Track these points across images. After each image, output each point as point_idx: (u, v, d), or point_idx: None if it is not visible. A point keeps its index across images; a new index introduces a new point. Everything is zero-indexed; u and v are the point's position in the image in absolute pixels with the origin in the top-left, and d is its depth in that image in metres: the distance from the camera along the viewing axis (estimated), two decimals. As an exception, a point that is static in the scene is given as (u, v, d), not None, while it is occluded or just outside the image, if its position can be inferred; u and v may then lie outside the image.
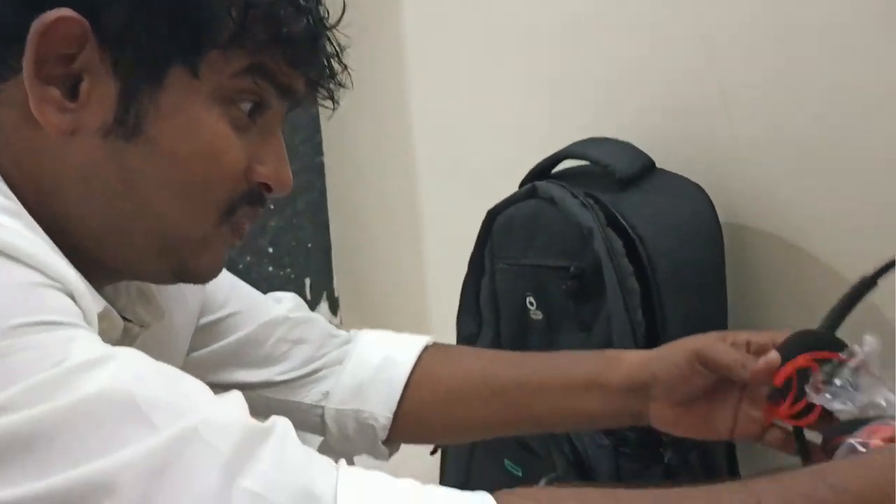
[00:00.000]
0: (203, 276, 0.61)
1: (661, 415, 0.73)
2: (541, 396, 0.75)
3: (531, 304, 1.04)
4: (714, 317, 0.97)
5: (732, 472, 0.98)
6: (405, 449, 1.91)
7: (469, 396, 0.77)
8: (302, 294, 2.23)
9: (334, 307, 2.28)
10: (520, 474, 1.01)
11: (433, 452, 1.25)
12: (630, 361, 0.73)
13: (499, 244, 1.10)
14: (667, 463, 0.88)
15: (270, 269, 2.18)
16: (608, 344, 0.91)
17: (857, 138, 0.89)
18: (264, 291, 2.30)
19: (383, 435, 0.77)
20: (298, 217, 2.21)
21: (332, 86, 0.60)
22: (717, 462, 0.95)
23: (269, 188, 0.59)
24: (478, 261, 1.15)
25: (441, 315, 1.77)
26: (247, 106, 0.55)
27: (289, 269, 2.20)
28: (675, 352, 0.71)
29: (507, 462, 1.04)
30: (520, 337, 1.08)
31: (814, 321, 0.97)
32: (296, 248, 2.21)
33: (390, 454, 0.80)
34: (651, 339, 0.90)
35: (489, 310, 1.14)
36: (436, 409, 0.78)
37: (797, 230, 0.97)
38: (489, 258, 1.12)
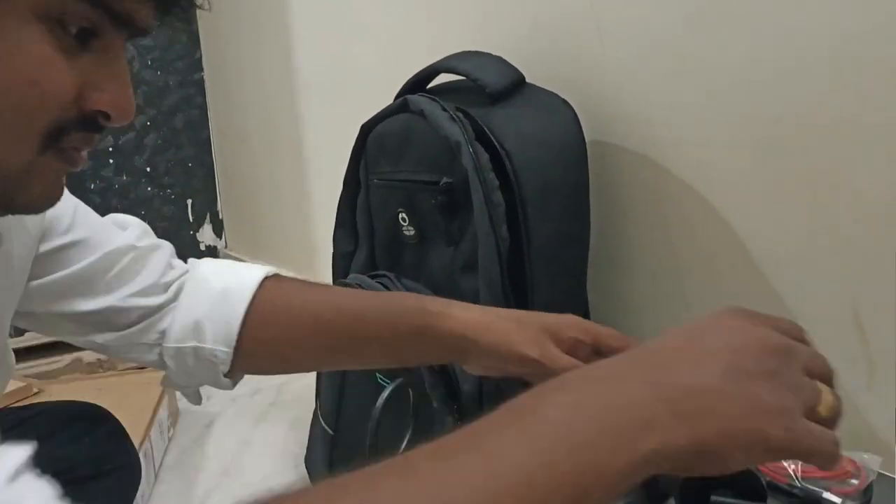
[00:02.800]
0: (36, 206, 0.57)
1: (478, 368, 0.76)
2: (367, 340, 0.75)
3: (404, 220, 1.04)
4: (578, 236, 0.99)
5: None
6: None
7: (300, 336, 0.76)
8: (184, 215, 2.16)
9: (218, 229, 2.22)
10: (389, 385, 1.03)
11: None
12: (454, 325, 0.73)
13: (372, 159, 1.08)
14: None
15: (149, 189, 2.09)
16: (474, 259, 0.92)
17: (723, 57, 0.91)
18: (143, 212, 2.21)
19: (224, 369, 0.75)
20: (177, 135, 2.12)
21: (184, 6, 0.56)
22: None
23: (107, 116, 0.55)
24: (353, 176, 1.13)
25: (326, 233, 1.76)
26: (73, 28, 0.51)
27: (168, 190, 2.12)
28: (501, 340, 0.71)
29: (378, 375, 1.06)
30: (394, 253, 1.08)
31: (672, 242, 1.01)
32: (175, 167, 2.13)
33: (234, 384, 0.78)
34: (515, 256, 0.92)
35: (364, 226, 1.13)
36: (271, 346, 0.76)
37: (661, 150, 1.00)
38: (364, 173, 1.11)
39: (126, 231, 0.77)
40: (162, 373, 0.77)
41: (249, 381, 1.63)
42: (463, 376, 0.92)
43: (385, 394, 0.77)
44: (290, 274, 2.01)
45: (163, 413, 1.37)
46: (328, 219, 1.71)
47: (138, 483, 0.90)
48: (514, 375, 0.73)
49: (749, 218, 0.92)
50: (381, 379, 1.05)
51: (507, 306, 0.90)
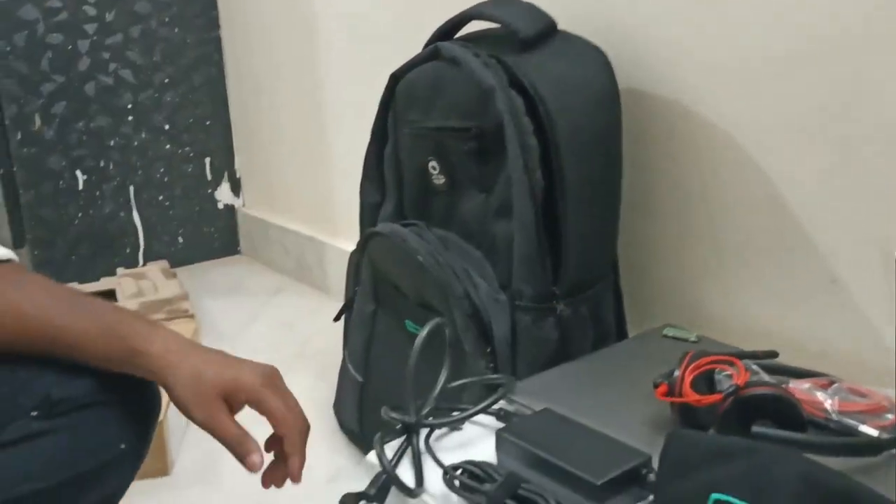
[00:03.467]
0: None
1: None
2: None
3: (434, 168, 1.05)
4: (610, 180, 1.00)
5: (620, 325, 1.04)
6: (313, 307, 1.91)
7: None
8: (202, 173, 2.16)
9: (236, 187, 2.22)
10: (419, 330, 1.04)
11: (336, 319, 1.27)
12: (151, 367, 0.73)
13: (402, 108, 1.09)
14: (559, 315, 0.93)
15: (168, 146, 2.10)
16: (508, 205, 0.93)
17: (756, 4, 0.91)
18: (162, 170, 2.23)
19: None
20: (195, 93, 2.11)
21: None
22: (606, 315, 1.00)
23: None
24: (381, 127, 1.14)
25: (345, 190, 1.77)
26: None
27: (188, 148, 2.13)
28: (179, 397, 0.72)
29: (408, 322, 1.07)
30: (422, 203, 1.09)
31: (704, 185, 1.02)
32: (194, 125, 2.13)
33: None
34: (548, 200, 0.93)
35: (392, 177, 1.14)
36: None
37: (693, 96, 1.00)
38: (392, 124, 1.12)
39: None
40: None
41: (270, 335, 1.66)
42: (496, 320, 0.93)
43: (423, 335, 0.78)
44: (309, 233, 2.02)
45: (192, 363, 1.39)
46: (348, 176, 1.72)
47: (160, 405, 0.91)
48: None
49: (780, 162, 0.93)
50: (410, 326, 1.07)
51: (541, 252, 0.92)
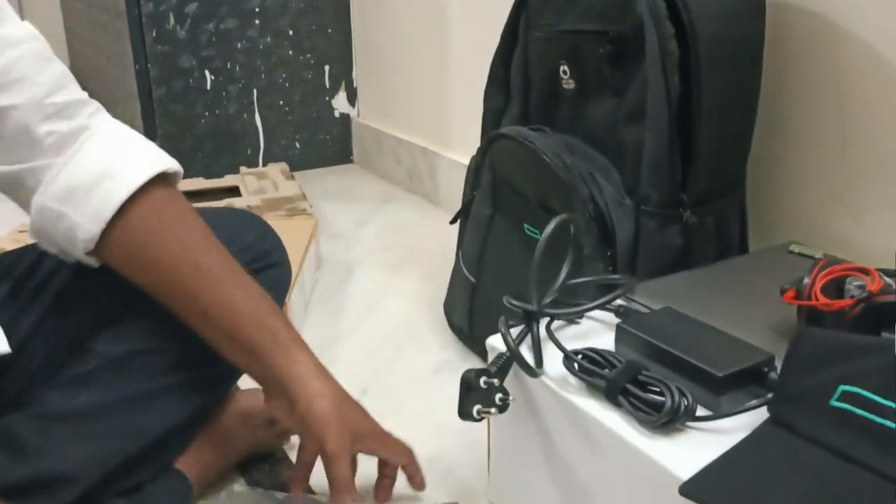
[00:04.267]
0: None
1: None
2: (203, 324, 0.74)
3: (564, 72, 1.05)
4: (748, 94, 0.98)
5: (743, 241, 1.03)
6: (424, 216, 1.97)
7: (151, 271, 0.74)
8: (321, 81, 2.21)
9: (352, 97, 2.27)
10: (538, 237, 1.06)
11: (452, 222, 1.31)
12: (287, 373, 0.73)
13: (535, 11, 1.08)
14: (684, 223, 0.93)
15: (290, 52, 2.15)
16: (641, 109, 0.93)
17: None
18: (284, 75, 2.29)
19: (84, 247, 0.72)
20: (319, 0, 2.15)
21: None
22: (731, 229, 1.00)
23: None
24: (511, 30, 1.14)
25: (463, 99, 1.78)
26: None
27: (308, 55, 2.17)
28: (313, 419, 0.73)
29: (526, 226, 1.09)
30: (549, 108, 1.10)
31: (843, 110, 0.98)
32: (316, 32, 2.17)
33: (98, 263, 0.75)
34: (684, 107, 0.92)
35: (519, 81, 1.14)
36: (128, 258, 0.73)
37: (842, 13, 0.96)
38: (524, 27, 1.12)
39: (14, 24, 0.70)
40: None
41: (382, 238, 1.71)
42: (619, 224, 0.94)
43: (552, 226, 0.79)
44: (423, 144, 2.05)
45: (311, 254, 1.46)
46: (465, 87, 1.73)
47: (290, 282, 0.96)
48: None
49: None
50: (528, 229, 1.09)
51: (672, 158, 0.91)
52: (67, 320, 0.80)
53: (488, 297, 1.18)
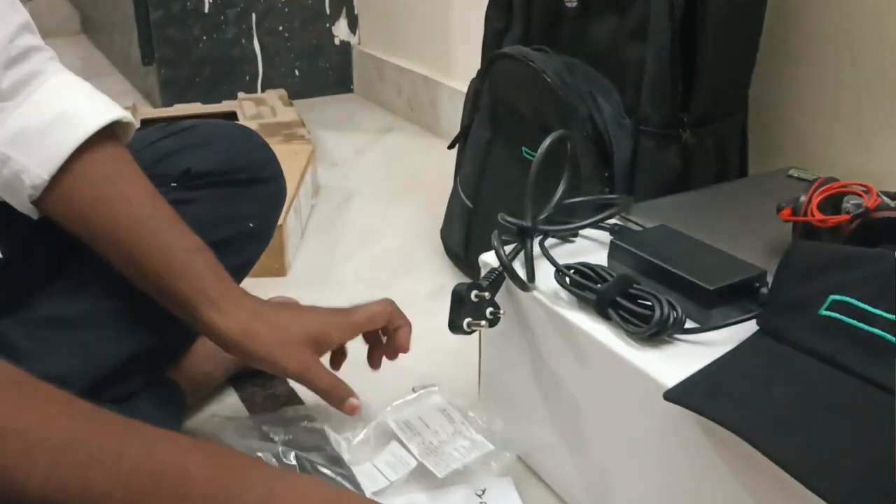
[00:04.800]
0: None
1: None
2: (138, 277, 0.72)
3: (567, -10, 1.02)
4: (754, 14, 0.95)
5: (743, 165, 1.02)
6: (424, 146, 1.96)
7: (92, 222, 0.71)
8: (321, 7, 2.17)
9: (353, 24, 2.23)
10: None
11: (451, 146, 1.29)
12: (221, 325, 0.71)
13: (538, -73, 1.05)
14: (683, 144, 0.91)
15: (288, -23, 2.11)
16: (644, 26, 0.90)
17: None
18: (284, 0, 2.23)
19: (31, 194, 0.69)
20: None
21: None
22: (731, 152, 0.98)
23: None
24: (514, -53, 1.11)
25: (464, 27, 1.74)
26: None
27: (308, -21, 2.13)
28: (264, 353, 0.71)
29: (524, 149, 1.08)
30: (551, 28, 1.07)
31: (851, 32, 0.96)
32: (315, -45, 2.13)
33: (38, 215, 0.72)
34: (688, 25, 0.90)
35: (521, 1, 1.11)
36: (71, 208, 0.70)
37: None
38: (526, -56, 1.08)
39: None
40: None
41: (381, 167, 1.70)
42: (618, 144, 0.93)
43: (548, 141, 0.78)
44: (424, 72, 2.01)
45: (308, 180, 1.45)
46: (467, 13, 1.70)
47: (285, 197, 0.95)
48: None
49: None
50: (526, 152, 1.08)
51: (674, 77, 0.89)
52: (61, 229, 0.80)
53: (486, 223, 1.17)
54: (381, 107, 2.15)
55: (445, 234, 1.29)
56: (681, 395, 0.54)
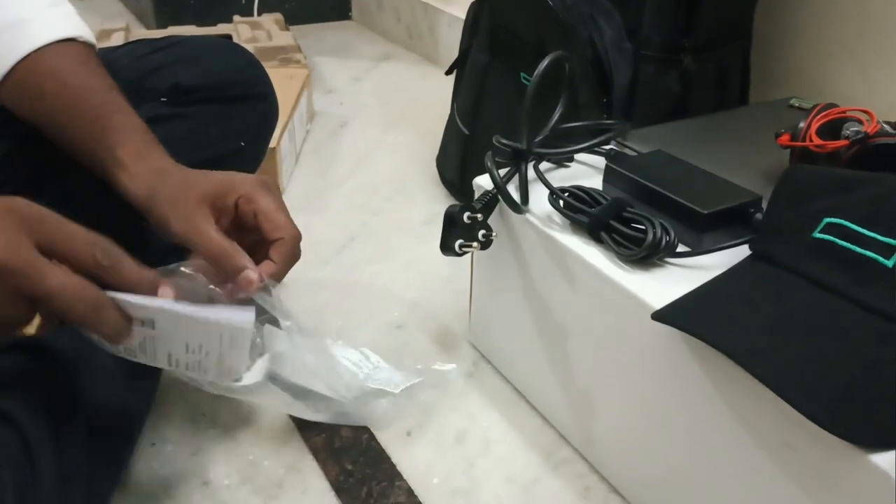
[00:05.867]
0: None
1: None
2: (76, 155, 0.69)
3: None
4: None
5: (744, 94, 1.00)
6: (422, 73, 1.91)
7: (42, 104, 0.69)
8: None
9: (352, -52, 2.17)
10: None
11: (449, 72, 1.27)
12: (128, 185, 0.64)
13: None
14: (684, 69, 0.89)
15: None
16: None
17: None
18: None
19: None
20: None
21: None
22: (732, 80, 0.96)
23: None
24: None
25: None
26: None
27: None
28: (162, 215, 0.63)
29: (523, 74, 1.06)
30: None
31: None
32: None
33: None
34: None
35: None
36: (23, 96, 0.69)
37: None
38: None
39: None
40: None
41: (377, 94, 1.67)
42: (618, 69, 0.91)
43: (545, 63, 0.76)
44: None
45: (303, 104, 1.43)
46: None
47: (277, 116, 0.93)
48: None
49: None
50: (525, 78, 1.06)
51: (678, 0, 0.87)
52: (43, 146, 0.78)
53: (482, 150, 1.15)
54: (379, 34, 2.10)
55: (441, 162, 1.28)
56: (668, 315, 0.54)
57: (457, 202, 0.75)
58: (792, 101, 0.91)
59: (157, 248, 0.71)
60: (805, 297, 0.52)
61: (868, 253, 0.51)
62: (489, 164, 0.75)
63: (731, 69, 0.95)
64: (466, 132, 1.19)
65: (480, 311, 0.86)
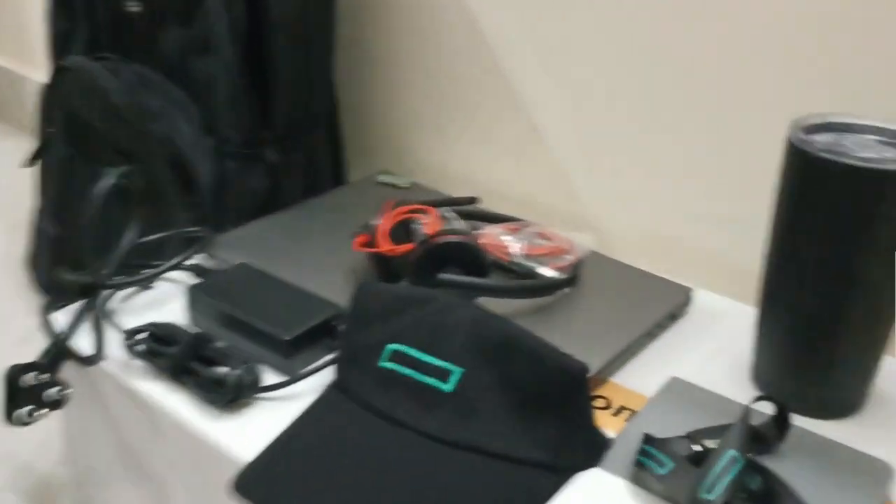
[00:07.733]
0: None
1: None
2: None
3: (128, -8, 0.91)
4: (322, 21, 0.93)
5: (338, 172, 1.01)
6: (10, 149, 1.67)
7: None
8: None
9: None
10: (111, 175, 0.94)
11: (30, 164, 1.12)
12: None
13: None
14: (268, 162, 0.87)
15: None
16: (208, 40, 0.84)
17: None
18: None
19: None
20: None
21: None
22: (322, 162, 0.97)
23: None
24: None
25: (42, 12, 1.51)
26: None
27: None
28: None
29: (107, 170, 0.96)
30: (118, 33, 0.95)
31: (425, 41, 0.97)
32: None
33: None
34: (256, 36, 0.85)
35: (81, 1, 0.98)
36: None
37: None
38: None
39: None
40: None
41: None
42: (201, 167, 0.86)
43: (103, 186, 0.70)
44: (3, 64, 1.73)
45: None
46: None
47: None
48: None
49: (492, 26, 0.91)
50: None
51: (248, 93, 0.85)
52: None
53: (77, 250, 1.04)
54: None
55: (32, 264, 1.13)
56: (247, 485, 0.50)
57: (18, 363, 0.65)
58: (380, 178, 0.93)
59: None
60: (378, 438, 0.51)
61: (428, 380, 0.52)
62: (43, 314, 0.66)
63: (319, 150, 0.95)
64: (56, 232, 1.06)
65: (76, 462, 0.76)
